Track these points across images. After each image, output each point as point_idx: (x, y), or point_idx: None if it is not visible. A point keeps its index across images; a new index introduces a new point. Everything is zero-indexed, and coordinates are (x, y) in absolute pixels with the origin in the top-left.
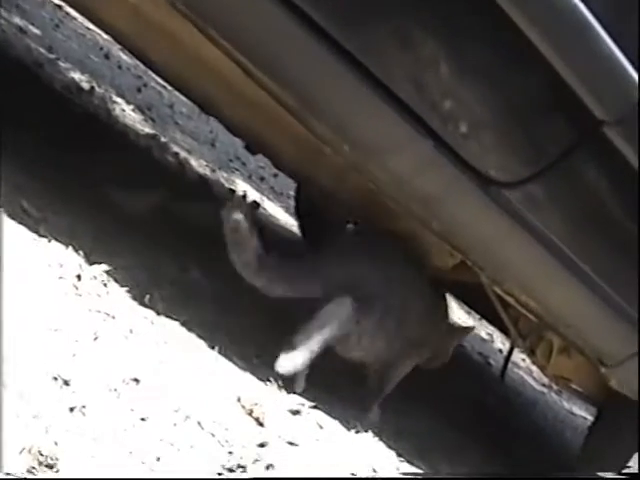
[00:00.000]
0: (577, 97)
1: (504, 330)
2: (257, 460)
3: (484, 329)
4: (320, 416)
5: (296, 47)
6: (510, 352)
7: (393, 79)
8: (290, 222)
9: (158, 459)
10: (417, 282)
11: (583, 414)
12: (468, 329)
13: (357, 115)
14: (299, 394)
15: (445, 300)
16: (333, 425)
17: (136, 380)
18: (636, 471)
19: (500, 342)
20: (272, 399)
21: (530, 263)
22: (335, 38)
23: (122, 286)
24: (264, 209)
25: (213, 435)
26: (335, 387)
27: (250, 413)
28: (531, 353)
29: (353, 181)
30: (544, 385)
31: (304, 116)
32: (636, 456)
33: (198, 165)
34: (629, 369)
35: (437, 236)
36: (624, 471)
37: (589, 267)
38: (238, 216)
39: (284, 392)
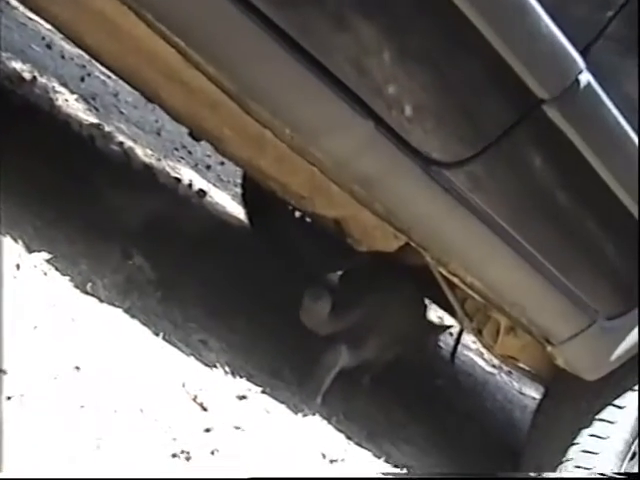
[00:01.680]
0: (517, 76)
1: (452, 312)
2: (202, 446)
3: (434, 312)
4: (267, 401)
5: (232, 28)
6: (459, 334)
7: (333, 61)
8: (237, 210)
9: (98, 446)
10: (404, 289)
11: (532, 394)
12: (446, 327)
13: (296, 97)
14: (251, 381)
15: (424, 300)
16: (280, 410)
17: (77, 368)
18: (636, 471)
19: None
20: (218, 385)
21: (473, 243)
22: (272, 19)
23: (63, 274)
24: (210, 197)
25: (156, 421)
26: (282, 372)
27: (194, 399)
28: (478, 333)
29: (295, 166)
30: (494, 366)
31: (243, 100)
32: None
33: (143, 154)
34: (575, 347)
35: (380, 218)
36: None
37: (532, 246)
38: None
39: (230, 377)
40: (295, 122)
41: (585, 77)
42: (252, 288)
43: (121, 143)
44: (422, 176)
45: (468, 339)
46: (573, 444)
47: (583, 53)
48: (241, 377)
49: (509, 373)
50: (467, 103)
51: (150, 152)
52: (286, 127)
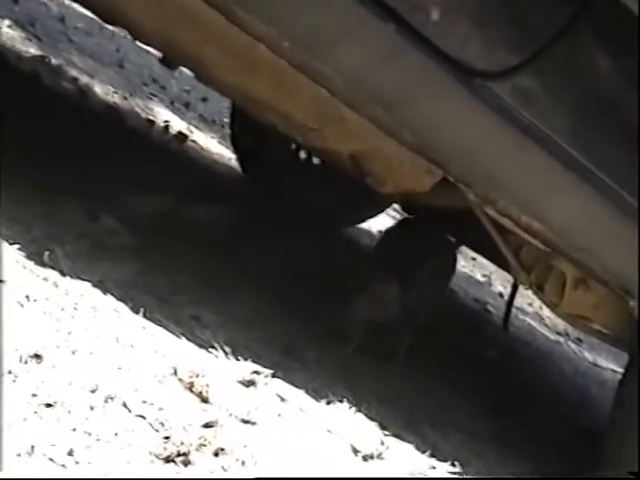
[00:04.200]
0: None
1: (503, 266)
2: (202, 445)
3: (479, 270)
4: (281, 386)
5: None
6: (513, 294)
7: None
8: (226, 155)
9: (70, 453)
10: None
11: (611, 366)
12: None
13: None
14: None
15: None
16: (298, 397)
17: (37, 357)
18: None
19: (500, 284)
20: (217, 369)
21: (527, 170)
22: None
23: (13, 243)
24: (193, 141)
25: (144, 418)
26: (296, 349)
27: (190, 387)
28: (539, 290)
29: (297, 89)
30: (559, 333)
31: (231, 9)
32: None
33: (104, 92)
34: None
35: (409, 149)
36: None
37: (601, 170)
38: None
39: (232, 360)
40: (296, 31)
41: None
42: (251, 248)
43: (74, 79)
44: (461, 91)
45: (523, 301)
46: None
47: None
48: (245, 359)
49: (578, 341)
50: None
51: (112, 89)
52: (284, 38)
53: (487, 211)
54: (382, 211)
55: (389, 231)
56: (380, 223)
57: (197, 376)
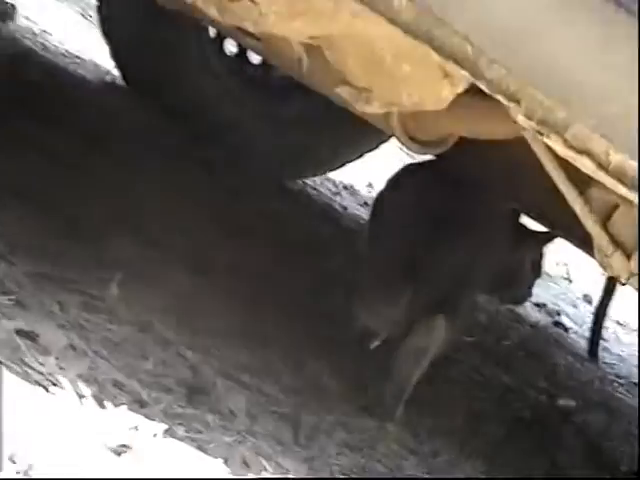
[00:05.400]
0: None
1: (583, 246)
2: None
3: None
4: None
5: None
6: (606, 299)
7: None
8: (96, 55)
9: None
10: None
11: None
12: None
13: None
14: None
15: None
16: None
17: None
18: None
19: (583, 282)
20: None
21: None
22: None
23: None
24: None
25: None
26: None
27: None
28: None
29: None
30: None
31: None
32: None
33: None
34: None
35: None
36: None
37: None
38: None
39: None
40: None
41: None
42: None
43: None
44: None
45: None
46: None
47: None
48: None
49: None
50: None
51: None
52: None
53: (550, 144)
54: (363, 153)
55: (391, 188)
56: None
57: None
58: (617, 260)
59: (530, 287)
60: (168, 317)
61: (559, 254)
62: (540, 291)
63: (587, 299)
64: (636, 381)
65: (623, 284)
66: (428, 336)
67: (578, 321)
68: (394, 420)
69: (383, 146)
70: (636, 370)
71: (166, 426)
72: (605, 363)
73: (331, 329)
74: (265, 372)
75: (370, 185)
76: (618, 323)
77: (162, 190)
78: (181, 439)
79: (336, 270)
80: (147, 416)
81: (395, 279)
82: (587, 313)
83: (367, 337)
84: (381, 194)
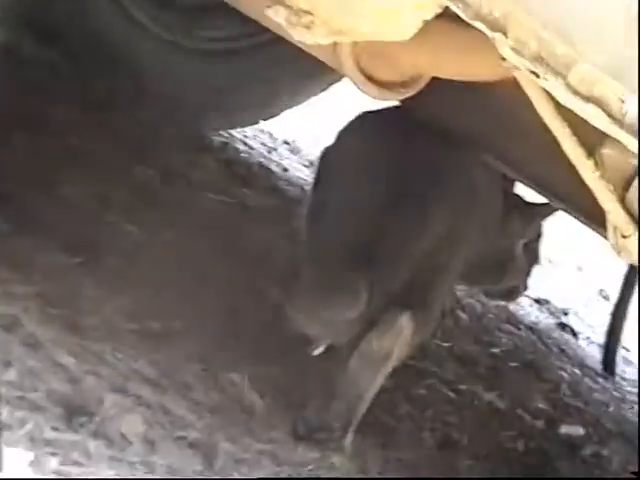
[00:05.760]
0: None
1: (593, 222)
2: None
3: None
4: None
5: None
6: (624, 298)
7: None
8: None
9: None
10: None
11: None
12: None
13: None
14: None
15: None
16: None
17: None
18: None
19: (595, 276)
20: None
21: None
22: None
23: None
24: None
25: None
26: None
27: None
28: None
29: None
30: None
31: None
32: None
33: None
34: None
35: None
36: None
37: None
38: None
39: None
40: None
41: None
42: None
43: None
44: None
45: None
46: None
47: None
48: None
49: None
50: None
51: None
52: None
53: (548, 88)
54: (306, 98)
55: (340, 144)
56: None
57: None
58: (637, 243)
59: (525, 277)
60: (39, 310)
61: (568, 235)
62: (541, 283)
63: (603, 295)
64: None
65: None
66: (389, 340)
67: (591, 323)
68: (342, 450)
69: (333, 89)
70: None
71: (33, 455)
72: (624, 379)
73: (256, 329)
74: (170, 384)
75: (316, 140)
76: None
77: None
78: (54, 473)
79: (267, 253)
80: (7, 442)
81: (344, 265)
82: (603, 313)
83: (307, 340)
84: (328, 151)
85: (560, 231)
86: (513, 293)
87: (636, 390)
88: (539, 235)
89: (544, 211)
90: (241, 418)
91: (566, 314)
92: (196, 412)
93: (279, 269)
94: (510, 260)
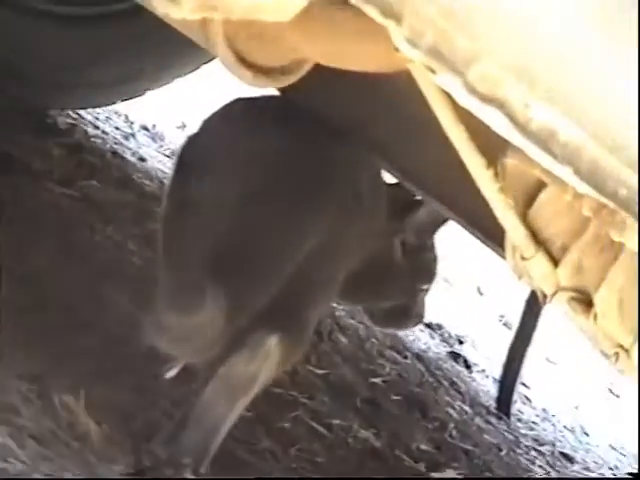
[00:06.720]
0: None
1: (490, 238)
2: None
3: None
4: None
5: None
6: (534, 310)
7: None
8: None
9: None
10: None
11: None
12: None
13: None
14: None
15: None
16: None
17: None
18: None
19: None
20: None
21: None
22: None
23: None
24: None
25: None
26: None
27: None
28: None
29: None
30: None
31: None
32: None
33: None
34: None
35: None
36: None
37: None
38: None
39: None
40: None
41: None
42: None
43: None
44: None
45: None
46: None
47: None
48: None
49: None
50: None
51: None
52: None
53: (445, 86)
54: (171, 79)
55: (205, 133)
56: None
57: None
58: (539, 266)
59: (415, 295)
60: None
61: (468, 252)
62: (434, 305)
63: (504, 322)
64: (568, 452)
65: (546, 303)
66: (253, 364)
67: (488, 354)
68: None
69: (202, 71)
70: (571, 435)
71: None
72: (520, 420)
73: (100, 344)
74: None
75: (183, 126)
76: (547, 360)
77: None
78: None
79: (117, 258)
80: None
81: (203, 274)
82: (503, 343)
83: (159, 360)
84: (191, 141)
85: (460, 248)
86: (403, 317)
87: (532, 433)
88: (426, 242)
89: (432, 217)
90: (75, 447)
91: (461, 342)
92: (17, 439)
93: (130, 276)
94: (387, 265)
